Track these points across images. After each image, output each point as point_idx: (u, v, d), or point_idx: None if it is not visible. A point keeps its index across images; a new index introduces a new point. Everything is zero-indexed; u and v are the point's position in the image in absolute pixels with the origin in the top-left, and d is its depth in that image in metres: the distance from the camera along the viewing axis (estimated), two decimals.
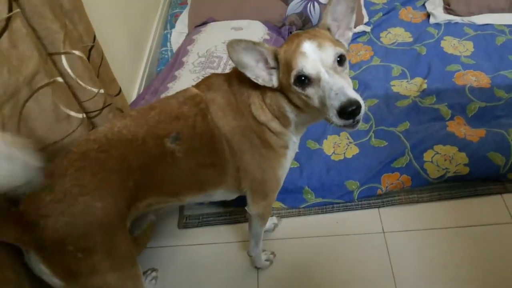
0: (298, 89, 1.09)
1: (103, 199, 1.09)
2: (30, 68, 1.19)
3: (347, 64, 1.11)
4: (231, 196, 1.46)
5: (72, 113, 1.38)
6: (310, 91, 1.07)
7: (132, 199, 1.18)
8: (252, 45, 1.11)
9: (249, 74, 1.15)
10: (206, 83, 1.30)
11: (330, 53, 1.06)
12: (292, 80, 1.08)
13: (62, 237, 1.03)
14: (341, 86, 1.01)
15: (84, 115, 1.46)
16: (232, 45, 1.08)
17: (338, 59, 1.07)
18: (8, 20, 1.12)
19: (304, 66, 1.06)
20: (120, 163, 1.14)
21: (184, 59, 2.46)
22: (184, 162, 1.22)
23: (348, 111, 0.98)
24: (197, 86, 1.32)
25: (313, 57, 1.06)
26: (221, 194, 1.40)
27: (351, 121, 1.01)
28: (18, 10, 1.16)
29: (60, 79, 1.34)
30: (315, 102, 1.07)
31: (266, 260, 1.73)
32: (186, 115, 1.22)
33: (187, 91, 1.30)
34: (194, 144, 1.22)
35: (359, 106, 0.98)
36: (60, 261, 1.05)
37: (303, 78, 1.06)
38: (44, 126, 1.29)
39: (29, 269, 1.09)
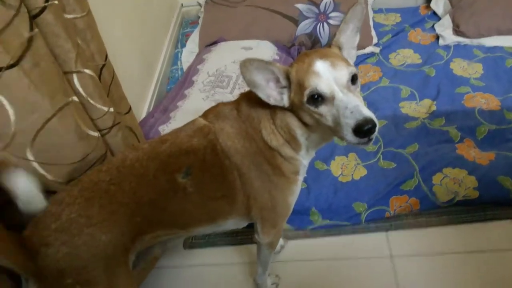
0: (311, 107, 1.08)
1: (109, 232, 1.09)
2: (51, 87, 1.22)
3: (359, 83, 1.12)
4: (241, 224, 1.45)
5: (91, 132, 1.41)
6: (323, 109, 1.07)
7: (138, 234, 1.18)
8: (264, 65, 1.11)
9: (260, 94, 1.14)
10: (214, 112, 1.30)
11: (343, 72, 1.07)
12: (305, 98, 1.08)
13: (62, 268, 1.02)
14: (356, 104, 1.01)
15: (99, 134, 1.48)
16: (245, 65, 1.08)
17: (351, 78, 1.08)
18: (30, 39, 1.14)
19: (318, 84, 1.06)
20: (130, 198, 1.14)
21: (194, 78, 2.49)
22: (195, 196, 1.22)
23: (364, 129, 0.98)
24: (204, 116, 1.31)
25: (327, 76, 1.06)
26: (232, 223, 1.39)
27: (366, 139, 1.01)
28: (37, 30, 1.19)
29: (76, 98, 1.36)
30: (328, 120, 1.07)
31: (272, 284, 1.70)
32: (196, 148, 1.22)
33: (195, 123, 1.29)
34: (205, 177, 1.22)
35: (374, 125, 0.99)
36: None
37: (316, 96, 1.06)
38: (68, 145, 1.32)
39: None
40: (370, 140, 1.02)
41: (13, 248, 0.97)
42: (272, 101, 1.16)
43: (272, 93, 1.16)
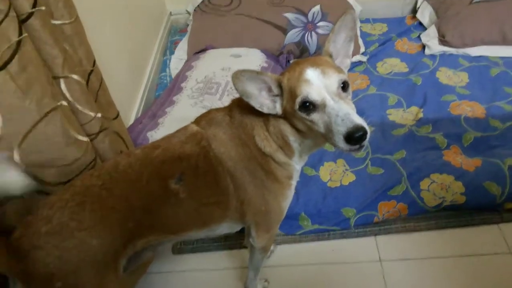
0: (303, 115, 1.09)
1: (100, 237, 1.08)
2: (38, 91, 1.21)
3: (350, 90, 1.13)
4: (235, 228, 1.45)
5: (80, 137, 1.39)
6: (315, 116, 1.08)
7: (130, 239, 1.17)
8: (255, 75, 1.12)
9: (253, 103, 1.15)
10: (206, 119, 1.30)
11: (334, 79, 1.08)
12: (297, 106, 1.09)
13: (52, 271, 1.01)
14: (346, 112, 1.02)
15: (88, 139, 1.47)
16: (237, 76, 1.10)
17: (342, 85, 1.09)
18: (19, 43, 1.14)
19: (309, 92, 1.06)
20: (122, 203, 1.13)
21: (183, 84, 2.49)
22: (187, 202, 1.22)
23: (355, 137, 0.99)
24: (197, 122, 1.31)
25: (318, 83, 1.07)
26: (225, 228, 1.39)
27: (357, 146, 1.02)
28: (26, 34, 1.18)
29: (65, 103, 1.35)
30: (320, 127, 1.08)
31: None
32: (189, 155, 1.22)
33: (187, 129, 1.29)
34: (198, 184, 1.22)
35: (365, 132, 1.00)
36: None
37: (307, 104, 1.07)
38: (55, 149, 1.30)
39: None
40: (361, 147, 1.03)
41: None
42: (265, 110, 1.17)
43: (265, 102, 1.17)
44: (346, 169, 2.04)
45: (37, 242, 1.01)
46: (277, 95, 1.17)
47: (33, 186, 1.03)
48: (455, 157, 2.01)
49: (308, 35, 2.84)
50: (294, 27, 2.87)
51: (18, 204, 1.26)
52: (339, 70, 1.14)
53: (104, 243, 1.08)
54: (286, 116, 1.18)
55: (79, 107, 1.48)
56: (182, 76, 2.58)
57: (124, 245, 1.16)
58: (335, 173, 2.02)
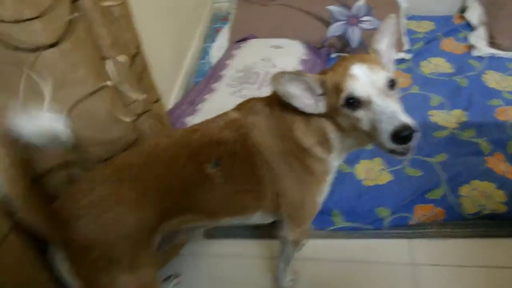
0: (347, 111, 1.07)
1: (137, 213, 1.10)
2: (87, 70, 1.23)
3: (398, 89, 1.09)
4: (268, 219, 1.44)
5: (122, 117, 1.42)
6: (360, 113, 1.05)
7: (166, 217, 1.19)
8: (296, 76, 1.10)
9: (297, 104, 1.14)
10: (246, 107, 1.29)
11: (381, 76, 1.05)
12: (341, 102, 1.06)
13: (89, 241, 1.03)
14: (393, 110, 0.99)
15: (130, 119, 1.50)
16: (277, 78, 1.08)
17: (390, 83, 1.05)
18: (72, 21, 1.16)
19: (354, 88, 1.04)
20: (160, 182, 1.15)
21: (222, 72, 2.49)
22: (223, 188, 1.22)
23: (402, 135, 0.95)
24: (237, 110, 1.31)
25: (364, 79, 1.04)
26: (258, 217, 1.39)
27: (404, 146, 0.98)
28: (78, 13, 1.20)
29: (110, 83, 1.38)
30: (365, 125, 1.05)
31: (290, 280, 1.68)
32: (226, 141, 1.22)
33: (227, 115, 1.29)
34: (234, 170, 1.22)
35: (413, 131, 0.96)
36: (82, 265, 1.05)
37: (352, 100, 1.05)
38: (97, 127, 1.32)
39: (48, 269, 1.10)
40: (409, 149, 0.99)
41: (45, 214, 0.98)
42: (308, 110, 1.15)
43: (307, 102, 1.15)
44: (383, 169, 2.00)
45: (78, 212, 1.04)
46: (320, 95, 1.15)
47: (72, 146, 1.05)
48: (498, 164, 1.94)
49: (351, 29, 2.78)
50: (337, 20, 2.81)
51: (62, 176, 1.31)
52: (386, 67, 1.11)
53: (140, 220, 1.11)
54: (329, 113, 1.15)
55: (122, 89, 1.50)
56: (222, 64, 2.59)
57: (159, 223, 1.18)
58: (372, 172, 1.99)
